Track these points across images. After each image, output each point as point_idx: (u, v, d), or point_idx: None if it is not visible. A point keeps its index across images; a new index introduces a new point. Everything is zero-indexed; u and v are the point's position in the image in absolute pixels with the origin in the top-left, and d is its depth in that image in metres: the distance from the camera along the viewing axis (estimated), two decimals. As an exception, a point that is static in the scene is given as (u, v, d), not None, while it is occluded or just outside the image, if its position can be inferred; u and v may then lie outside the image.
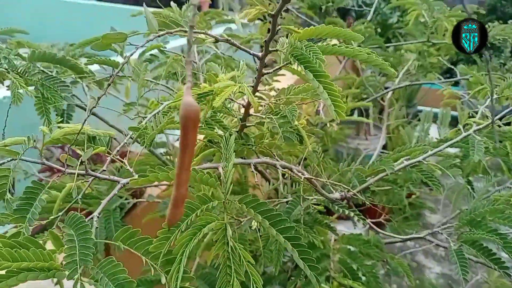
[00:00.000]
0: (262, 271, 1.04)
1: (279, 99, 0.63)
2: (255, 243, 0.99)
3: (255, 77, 0.57)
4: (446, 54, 1.46)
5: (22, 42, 0.99)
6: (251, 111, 0.69)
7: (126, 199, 1.18)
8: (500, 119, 0.92)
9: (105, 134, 0.56)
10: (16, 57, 0.83)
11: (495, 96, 0.94)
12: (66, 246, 0.41)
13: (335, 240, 1.07)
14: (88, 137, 0.53)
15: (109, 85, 0.52)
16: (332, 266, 0.99)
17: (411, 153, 0.90)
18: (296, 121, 0.63)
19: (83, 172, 0.52)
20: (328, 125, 1.24)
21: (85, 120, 0.53)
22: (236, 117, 0.68)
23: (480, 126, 0.85)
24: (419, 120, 1.30)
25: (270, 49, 0.52)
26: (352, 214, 0.83)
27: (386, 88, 1.72)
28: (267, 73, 0.57)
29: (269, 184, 0.90)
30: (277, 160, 0.71)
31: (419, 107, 3.76)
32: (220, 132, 0.65)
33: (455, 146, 0.93)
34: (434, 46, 1.49)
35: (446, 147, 0.86)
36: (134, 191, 1.32)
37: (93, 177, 0.59)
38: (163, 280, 0.45)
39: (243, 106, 0.64)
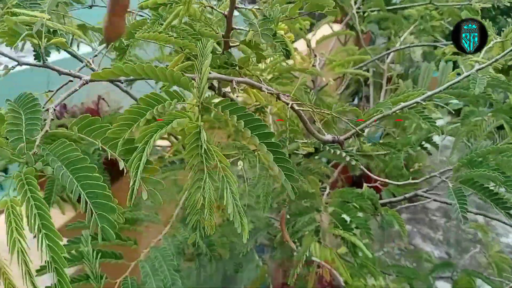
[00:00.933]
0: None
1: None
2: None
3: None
4: (448, 17, 1.40)
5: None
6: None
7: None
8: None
9: (67, 29, 0.50)
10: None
11: (499, 39, 0.89)
12: (9, 115, 0.36)
13: (326, 202, 1.01)
14: (47, 29, 0.48)
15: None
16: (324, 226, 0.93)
17: (409, 97, 0.84)
18: (282, 32, 0.58)
19: (41, 64, 0.47)
20: (325, 81, 1.19)
21: (47, 10, 0.47)
22: (218, 33, 0.63)
23: (483, 65, 0.80)
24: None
25: None
26: (344, 154, 0.77)
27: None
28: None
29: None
30: (263, 84, 0.65)
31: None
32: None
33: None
34: (437, 9, 1.43)
35: (446, 87, 0.80)
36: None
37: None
38: (121, 165, 0.40)
39: (225, 16, 0.59)
